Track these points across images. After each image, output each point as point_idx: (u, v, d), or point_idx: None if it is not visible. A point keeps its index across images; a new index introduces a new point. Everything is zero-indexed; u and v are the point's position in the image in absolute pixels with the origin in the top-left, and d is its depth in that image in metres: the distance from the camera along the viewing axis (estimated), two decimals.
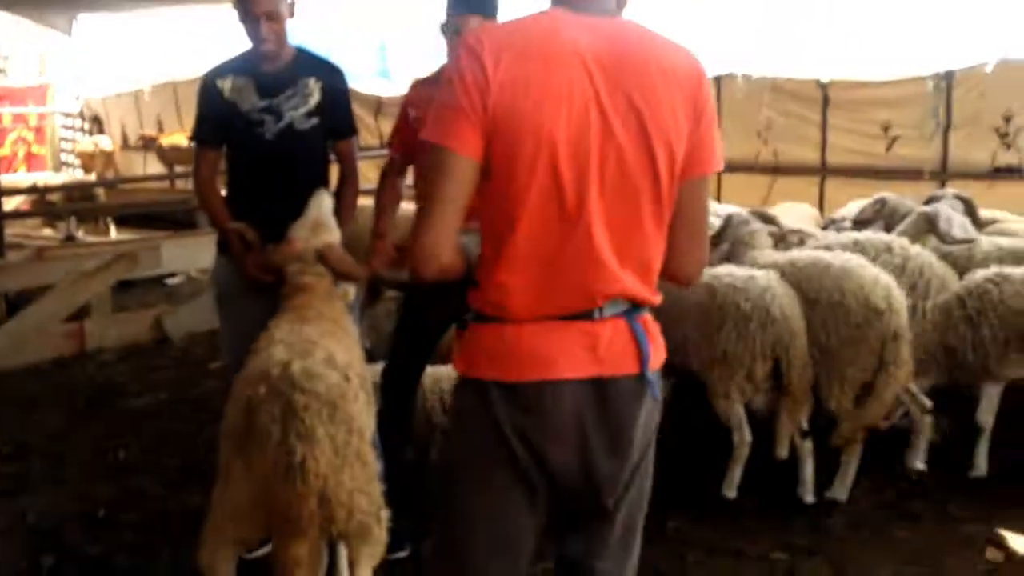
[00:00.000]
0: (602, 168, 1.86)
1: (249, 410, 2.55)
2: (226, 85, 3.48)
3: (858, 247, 4.61)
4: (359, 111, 12.32)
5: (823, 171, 8.39)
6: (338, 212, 3.45)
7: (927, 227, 4.96)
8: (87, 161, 15.17)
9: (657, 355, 1.98)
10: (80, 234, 11.18)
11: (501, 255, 1.89)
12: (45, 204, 11.54)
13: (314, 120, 3.49)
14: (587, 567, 2.05)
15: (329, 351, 2.74)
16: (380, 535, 2.69)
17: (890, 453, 4.67)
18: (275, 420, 2.49)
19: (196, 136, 3.64)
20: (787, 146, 8.54)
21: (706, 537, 3.88)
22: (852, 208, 6.08)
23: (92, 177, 13.95)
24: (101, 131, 16.26)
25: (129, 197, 13.15)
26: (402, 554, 3.71)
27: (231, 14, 3.50)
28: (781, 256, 4.49)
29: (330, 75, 3.56)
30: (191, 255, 7.92)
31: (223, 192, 3.71)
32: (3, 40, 16.48)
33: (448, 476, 2.06)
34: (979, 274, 4.45)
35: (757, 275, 4.13)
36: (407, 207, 5.80)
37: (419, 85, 3.70)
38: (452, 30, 3.40)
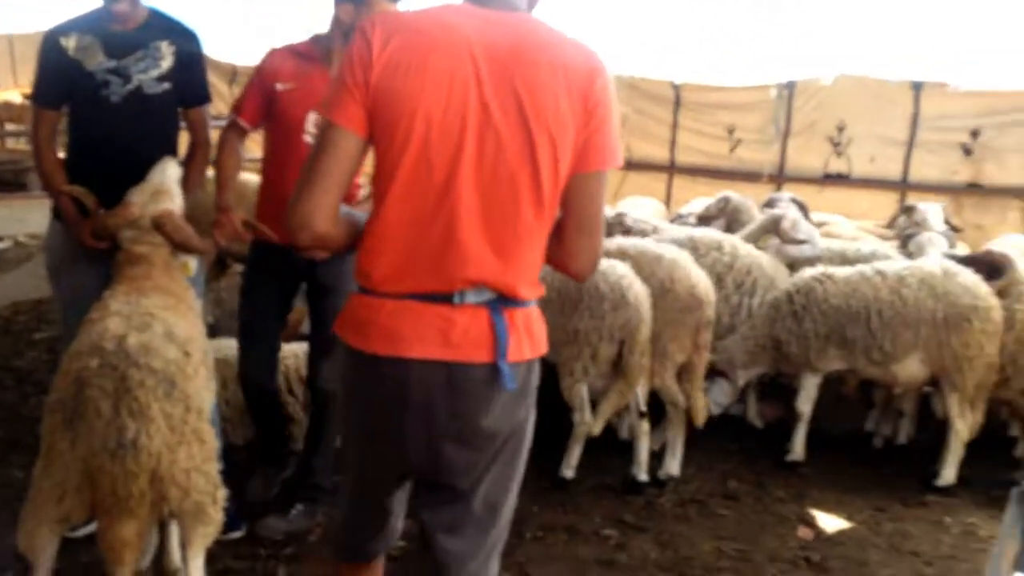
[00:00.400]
0: (478, 154, 1.93)
1: (79, 384, 2.43)
2: (71, 43, 3.30)
3: (692, 243, 4.93)
4: (214, 79, 11.93)
5: (671, 168, 8.73)
6: (185, 181, 3.32)
7: (772, 228, 5.30)
8: None
9: (521, 349, 2.03)
10: None
11: (373, 226, 2.00)
12: None
13: (165, 85, 3.36)
14: (439, 544, 2.13)
15: (168, 325, 2.65)
16: (215, 515, 2.62)
17: (717, 436, 4.97)
18: (107, 395, 2.39)
19: (35, 95, 3.44)
20: (639, 143, 8.83)
21: (543, 515, 4.00)
22: (697, 204, 6.39)
23: None
24: None
25: None
26: (237, 534, 3.67)
27: None
28: (621, 243, 4.68)
29: (184, 39, 3.42)
30: (19, 218, 7.51)
31: (62, 154, 3.51)
32: None
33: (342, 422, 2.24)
34: (806, 272, 4.76)
35: (614, 262, 4.31)
36: (251, 179, 5.72)
37: (284, 57, 3.55)
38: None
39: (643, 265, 4.38)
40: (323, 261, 3.39)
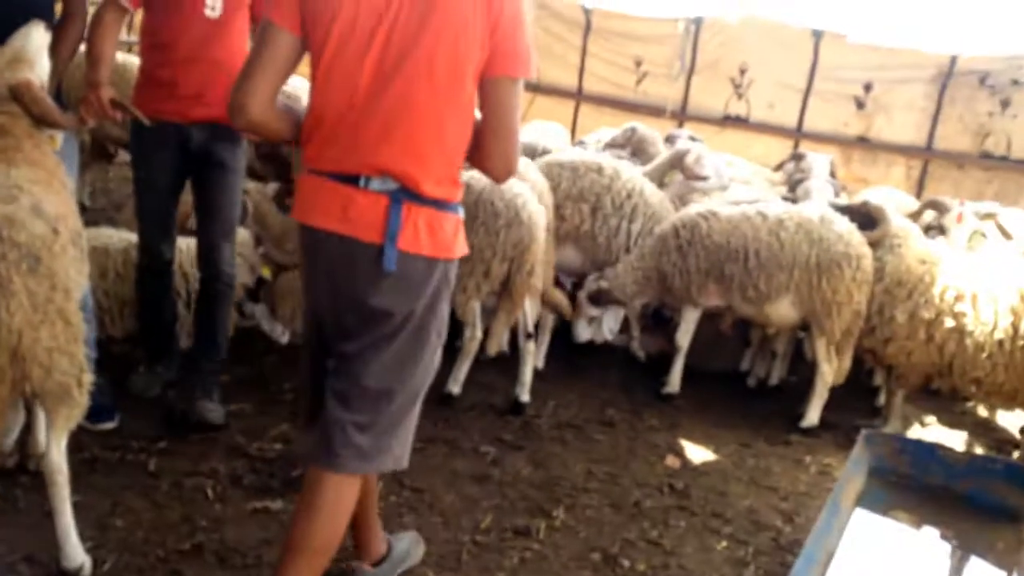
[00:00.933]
0: (382, 53, 2.19)
1: None
2: None
3: (572, 165, 5.04)
4: None
5: (579, 96, 8.71)
6: (54, 52, 3.10)
7: (677, 163, 5.39)
8: None
9: (417, 241, 2.26)
10: None
11: (307, 113, 2.31)
12: None
13: None
14: (328, 410, 2.38)
15: (36, 199, 2.53)
16: (80, 398, 2.58)
17: (601, 366, 5.11)
18: None
19: None
20: (549, 67, 8.75)
21: (425, 429, 4.04)
22: (604, 133, 6.42)
23: None
24: None
25: None
26: (109, 424, 3.60)
27: None
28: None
29: None
30: None
31: None
32: None
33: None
34: (692, 208, 4.88)
35: (512, 182, 4.27)
36: (124, 59, 5.44)
37: None
38: None
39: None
40: (220, 140, 3.60)
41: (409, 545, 3.07)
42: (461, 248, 2.39)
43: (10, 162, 2.68)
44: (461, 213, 2.40)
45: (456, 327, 3.99)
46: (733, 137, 7.86)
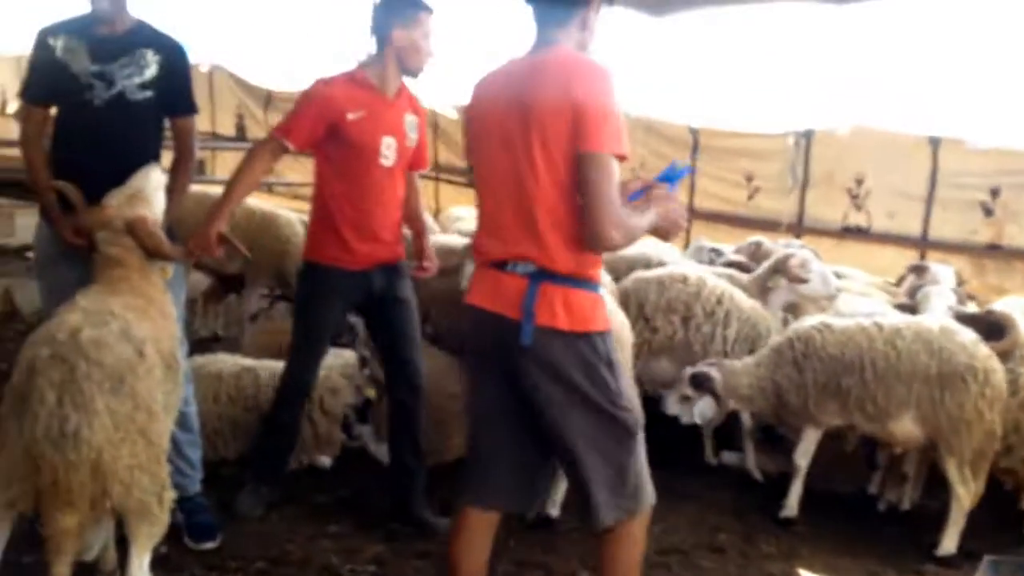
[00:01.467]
0: (504, 161, 2.64)
1: (30, 372, 2.48)
2: (59, 43, 3.39)
3: (658, 278, 5.11)
4: (250, 103, 12.21)
5: (690, 212, 8.70)
6: (168, 190, 3.38)
7: (781, 267, 5.28)
8: None
9: (553, 317, 2.58)
10: None
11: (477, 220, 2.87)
12: None
13: (148, 93, 3.43)
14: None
15: (127, 324, 2.68)
16: (161, 515, 2.66)
17: (711, 488, 4.90)
18: (53, 385, 2.43)
19: (24, 91, 3.53)
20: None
21: (519, 551, 3.98)
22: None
23: None
24: None
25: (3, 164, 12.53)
26: (210, 544, 3.68)
27: None
28: None
29: (171, 50, 3.51)
30: None
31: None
32: None
33: None
34: (807, 321, 4.71)
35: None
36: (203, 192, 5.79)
37: (346, 87, 3.71)
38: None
39: None
40: (399, 277, 3.92)
41: None
42: (603, 322, 2.67)
43: (114, 291, 2.91)
44: (601, 291, 2.73)
45: None
46: (854, 249, 7.63)
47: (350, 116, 3.65)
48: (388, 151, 3.76)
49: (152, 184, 3.24)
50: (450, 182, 10.40)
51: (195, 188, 5.83)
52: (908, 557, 4.33)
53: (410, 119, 3.88)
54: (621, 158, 2.55)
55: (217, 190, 7.08)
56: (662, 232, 2.76)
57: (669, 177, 2.84)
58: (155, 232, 3.09)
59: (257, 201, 6.58)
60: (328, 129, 3.66)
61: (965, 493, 4.29)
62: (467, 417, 3.01)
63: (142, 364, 2.64)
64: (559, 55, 2.63)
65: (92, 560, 3.06)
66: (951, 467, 4.29)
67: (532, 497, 3.01)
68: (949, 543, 4.31)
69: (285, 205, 9.42)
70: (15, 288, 7.03)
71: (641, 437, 2.82)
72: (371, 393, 4.79)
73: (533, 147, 2.56)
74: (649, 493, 2.82)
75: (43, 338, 2.57)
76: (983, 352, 4.30)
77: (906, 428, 4.37)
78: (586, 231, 2.56)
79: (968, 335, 4.35)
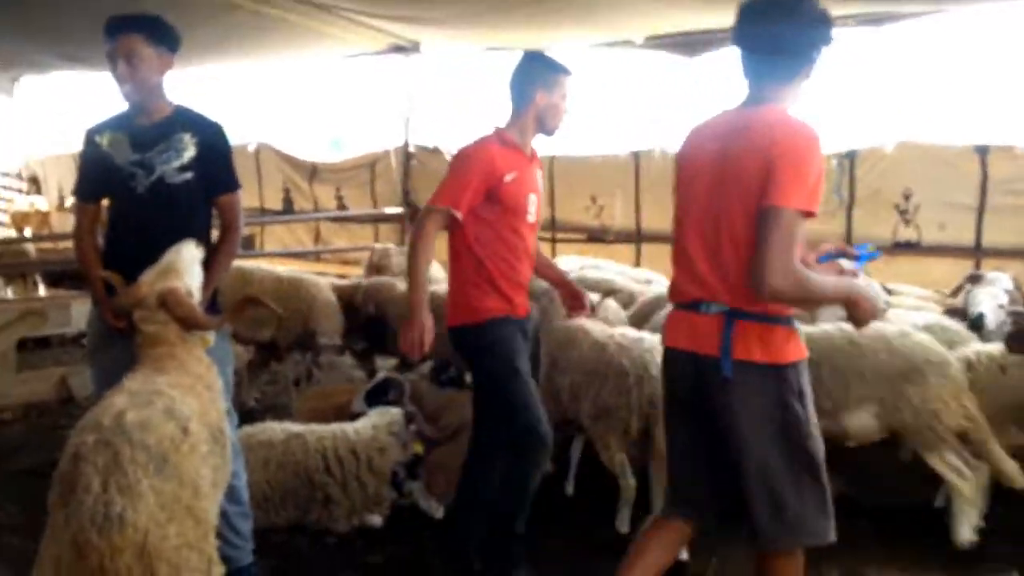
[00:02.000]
0: (701, 208, 2.87)
1: (75, 459, 2.47)
2: (104, 139, 3.52)
3: None
4: (295, 176, 12.48)
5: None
6: (211, 263, 3.44)
7: None
8: (20, 221, 15.01)
9: (748, 350, 2.77)
10: (8, 293, 10.97)
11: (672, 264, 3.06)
12: None
13: (187, 175, 3.50)
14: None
15: (171, 402, 2.69)
16: None
17: None
18: (97, 471, 2.42)
19: (76, 191, 3.65)
20: None
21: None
22: None
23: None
24: (39, 191, 16.15)
25: (62, 256, 12.97)
26: None
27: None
28: None
29: (207, 131, 3.58)
30: None
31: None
32: None
33: None
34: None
35: (643, 334, 4.40)
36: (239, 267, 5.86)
37: (500, 150, 3.74)
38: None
39: None
40: (531, 324, 4.02)
41: None
42: (795, 353, 2.84)
43: (160, 369, 2.91)
44: (794, 324, 2.88)
45: None
46: (906, 264, 7.43)
47: (507, 178, 3.70)
48: (532, 207, 3.85)
49: (184, 258, 3.25)
50: None
51: (239, 263, 6.01)
52: (980, 572, 4.13)
53: (539, 174, 3.97)
54: (808, 214, 2.67)
55: (263, 264, 7.25)
56: (861, 312, 2.84)
57: (859, 257, 3.07)
58: (186, 301, 3.08)
59: (282, 268, 6.73)
60: (487, 192, 3.70)
61: (962, 482, 4.24)
62: (667, 450, 3.21)
63: (187, 441, 2.63)
64: (770, 113, 2.80)
65: None
66: (935, 462, 4.28)
67: (722, 520, 3.11)
68: (964, 532, 4.26)
69: (333, 271, 9.58)
70: (71, 375, 7.20)
71: (822, 468, 2.91)
72: (419, 449, 4.76)
73: (732, 197, 2.76)
74: (814, 530, 2.90)
75: (89, 424, 2.57)
76: (938, 348, 4.35)
77: (862, 421, 4.36)
78: (751, 278, 2.70)
79: (922, 336, 4.39)
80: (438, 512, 4.68)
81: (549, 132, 3.88)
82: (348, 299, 6.65)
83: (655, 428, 4.15)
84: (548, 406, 4.61)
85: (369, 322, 6.56)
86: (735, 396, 2.80)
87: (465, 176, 3.69)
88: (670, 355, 3.02)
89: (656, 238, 8.94)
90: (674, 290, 3.01)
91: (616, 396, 4.22)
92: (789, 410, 2.82)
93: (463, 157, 3.76)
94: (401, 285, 6.31)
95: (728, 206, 2.77)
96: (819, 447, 2.91)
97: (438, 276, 6.17)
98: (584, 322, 4.55)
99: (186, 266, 3.23)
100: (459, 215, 3.67)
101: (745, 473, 2.85)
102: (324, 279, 6.80)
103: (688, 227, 2.93)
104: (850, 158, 7.85)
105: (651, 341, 4.31)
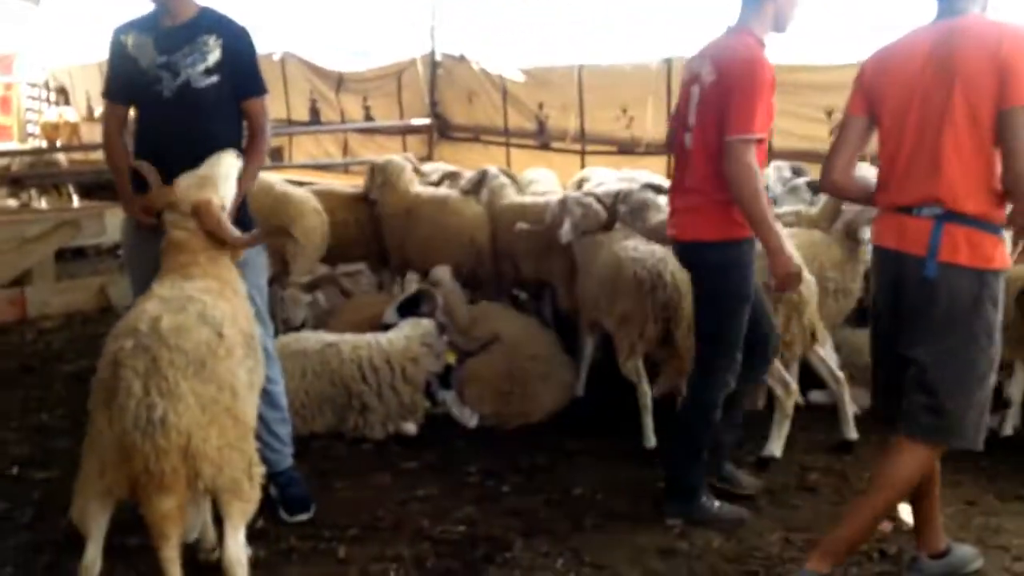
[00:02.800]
0: (919, 119, 2.96)
1: (115, 365, 2.55)
2: (129, 40, 3.48)
3: None
4: (323, 87, 12.36)
5: (770, 155, 8.43)
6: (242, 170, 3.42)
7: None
8: (50, 132, 15.04)
9: (955, 253, 2.92)
10: (42, 204, 11.05)
11: (879, 169, 3.18)
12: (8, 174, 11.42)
13: (213, 78, 3.47)
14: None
15: (204, 306, 2.74)
16: (252, 492, 2.71)
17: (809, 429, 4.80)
18: (138, 375, 2.50)
19: (105, 91, 3.62)
20: None
21: (607, 503, 4.00)
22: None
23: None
24: (67, 102, 16.13)
25: (94, 167, 13.02)
26: (304, 516, 3.78)
27: None
28: None
29: (232, 34, 3.53)
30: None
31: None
32: None
33: None
34: None
35: (654, 247, 4.53)
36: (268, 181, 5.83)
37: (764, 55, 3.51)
38: None
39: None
40: None
41: (971, 556, 3.46)
42: (1000, 261, 2.96)
43: (187, 276, 2.96)
44: (1003, 234, 2.99)
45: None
46: None
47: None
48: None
49: (223, 170, 3.26)
50: (521, 146, 10.36)
51: (266, 175, 5.98)
52: (1010, 482, 4.21)
53: None
54: None
55: (293, 175, 7.22)
56: None
57: None
58: (217, 215, 3.10)
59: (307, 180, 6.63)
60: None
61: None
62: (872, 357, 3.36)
63: (222, 345, 2.70)
64: (981, 21, 2.96)
65: (192, 541, 3.18)
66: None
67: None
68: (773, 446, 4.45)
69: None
70: (109, 285, 7.32)
71: (992, 377, 3.07)
72: (451, 359, 4.84)
73: (954, 103, 2.87)
74: (966, 435, 3.07)
75: (125, 329, 2.65)
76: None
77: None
78: (1009, 174, 2.85)
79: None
80: (472, 421, 4.78)
81: (783, 29, 3.63)
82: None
83: (676, 331, 4.36)
84: (581, 312, 4.82)
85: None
86: (935, 295, 2.95)
87: (759, 95, 3.42)
88: (880, 255, 3.20)
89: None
90: (885, 195, 3.12)
91: (633, 304, 4.39)
92: (983, 316, 2.96)
93: (749, 75, 3.42)
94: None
95: (952, 112, 2.88)
96: (997, 357, 3.06)
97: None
98: (602, 234, 4.78)
99: (223, 178, 3.25)
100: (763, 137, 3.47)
101: (921, 365, 3.02)
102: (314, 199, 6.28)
103: (901, 137, 3.01)
104: None
105: (661, 250, 4.44)
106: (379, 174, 6.26)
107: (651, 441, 4.51)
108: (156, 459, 2.48)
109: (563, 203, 5.03)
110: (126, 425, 2.49)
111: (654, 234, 4.72)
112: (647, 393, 4.51)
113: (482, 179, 6.16)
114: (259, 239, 3.43)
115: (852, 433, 4.63)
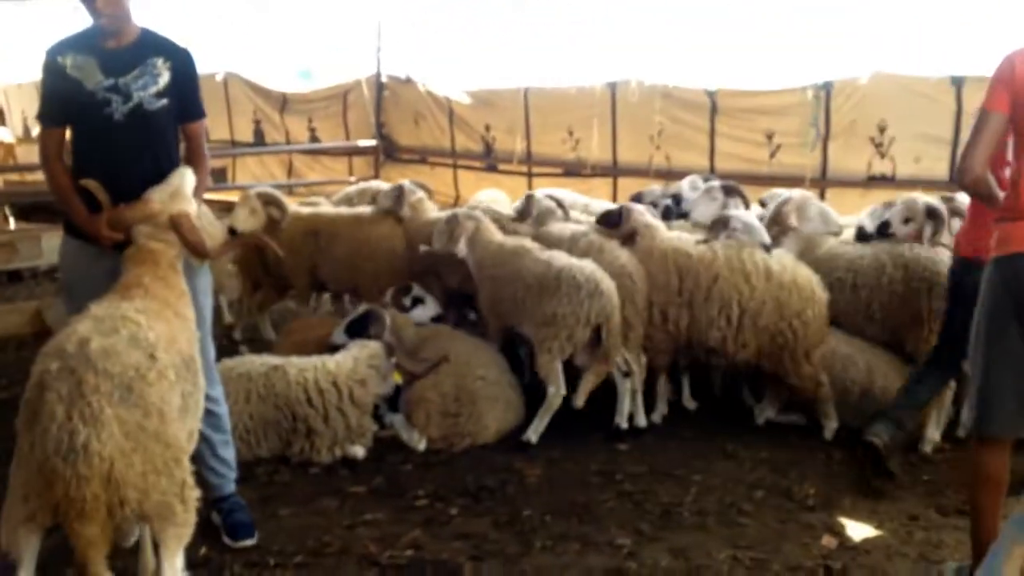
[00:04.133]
0: None
1: (40, 387, 2.49)
2: (68, 61, 3.39)
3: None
4: (265, 106, 12.27)
5: (711, 176, 8.58)
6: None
7: (775, 219, 5.45)
8: None
9: None
10: None
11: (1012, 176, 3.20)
12: None
13: (163, 101, 3.43)
14: None
15: (137, 329, 2.69)
16: (186, 516, 2.65)
17: (749, 447, 4.85)
18: (61, 399, 2.44)
19: (41, 115, 3.52)
20: (678, 151, 8.72)
21: (556, 525, 3.98)
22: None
23: None
24: (2, 122, 15.75)
25: (30, 188, 12.72)
26: (248, 542, 3.71)
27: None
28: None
29: (179, 56, 3.50)
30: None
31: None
32: None
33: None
34: None
35: (585, 262, 4.91)
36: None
37: None
38: None
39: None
40: None
41: None
42: None
43: (127, 296, 2.91)
44: None
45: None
46: (881, 197, 7.41)
47: None
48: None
49: (189, 184, 3.31)
50: (468, 167, 10.39)
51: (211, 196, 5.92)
52: (950, 499, 4.26)
53: None
54: None
55: (234, 197, 7.12)
56: None
57: None
58: (197, 228, 3.16)
59: None
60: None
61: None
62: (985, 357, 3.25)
63: (153, 368, 2.64)
64: None
65: (130, 547, 3.08)
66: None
67: None
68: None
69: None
70: (45, 308, 7.13)
71: None
72: (398, 379, 4.81)
73: None
74: None
75: (54, 350, 2.58)
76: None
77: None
78: None
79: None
80: (420, 444, 4.74)
81: None
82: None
83: (607, 337, 4.71)
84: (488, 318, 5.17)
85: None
86: None
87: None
88: (1009, 262, 3.13)
89: (632, 172, 8.93)
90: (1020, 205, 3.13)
91: (567, 306, 4.67)
92: None
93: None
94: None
95: None
96: None
97: None
98: (519, 240, 5.19)
99: (190, 192, 3.27)
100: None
101: None
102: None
103: None
104: (826, 90, 7.82)
105: (591, 264, 4.85)
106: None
107: (534, 437, 4.77)
108: (77, 486, 2.41)
109: (453, 219, 5.33)
110: (48, 450, 2.42)
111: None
112: (560, 395, 4.75)
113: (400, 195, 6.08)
114: (234, 246, 3.42)
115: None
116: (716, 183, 5.87)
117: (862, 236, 5.26)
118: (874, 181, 7.72)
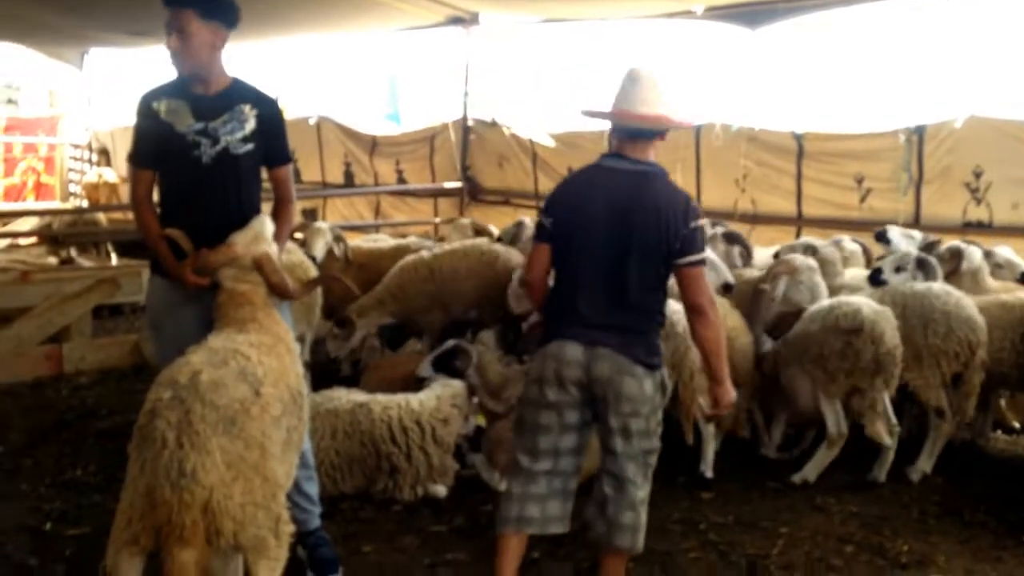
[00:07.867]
0: None
1: (152, 414, 2.61)
2: (162, 107, 3.56)
3: None
4: (355, 149, 12.59)
5: (799, 221, 8.46)
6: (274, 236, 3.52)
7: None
8: (91, 192, 15.36)
9: None
10: (82, 262, 11.21)
11: None
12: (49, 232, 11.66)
13: (249, 146, 3.59)
14: None
15: (247, 362, 2.80)
16: (279, 551, 2.71)
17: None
18: (171, 426, 2.55)
19: (133, 157, 3.68)
20: (764, 195, 8.62)
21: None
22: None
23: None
24: (108, 163, 16.48)
25: (133, 226, 13.16)
26: None
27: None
28: None
29: (265, 104, 3.67)
30: None
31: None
32: (15, 72, 16.81)
33: None
34: None
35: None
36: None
37: None
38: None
39: None
40: None
41: None
42: None
43: (243, 329, 3.06)
44: None
45: None
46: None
47: None
48: None
49: (268, 230, 3.45)
50: None
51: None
52: None
53: None
54: None
55: None
56: None
57: None
58: (280, 269, 3.29)
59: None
60: None
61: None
62: None
63: (257, 403, 2.74)
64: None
65: None
66: None
67: None
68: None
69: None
70: (144, 341, 7.36)
71: None
72: (481, 421, 4.84)
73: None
74: None
75: (166, 380, 2.72)
76: None
77: None
78: None
79: None
80: (501, 484, 4.74)
81: None
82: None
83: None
84: None
85: None
86: None
87: None
88: None
89: (717, 215, 8.85)
90: None
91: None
92: None
93: None
94: None
95: None
96: None
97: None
98: None
99: (271, 236, 3.40)
100: None
101: None
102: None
103: None
104: (919, 134, 7.64)
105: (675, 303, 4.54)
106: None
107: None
108: (179, 511, 2.50)
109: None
110: (157, 473, 2.52)
111: None
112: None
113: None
114: (313, 286, 3.54)
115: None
116: (719, 230, 5.98)
117: None
118: (970, 227, 7.49)
